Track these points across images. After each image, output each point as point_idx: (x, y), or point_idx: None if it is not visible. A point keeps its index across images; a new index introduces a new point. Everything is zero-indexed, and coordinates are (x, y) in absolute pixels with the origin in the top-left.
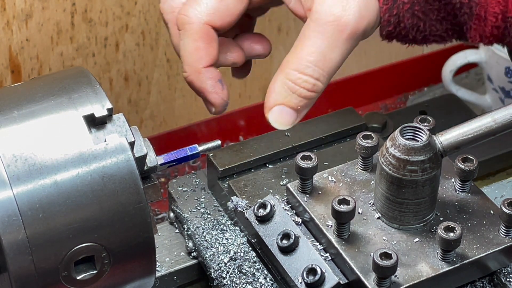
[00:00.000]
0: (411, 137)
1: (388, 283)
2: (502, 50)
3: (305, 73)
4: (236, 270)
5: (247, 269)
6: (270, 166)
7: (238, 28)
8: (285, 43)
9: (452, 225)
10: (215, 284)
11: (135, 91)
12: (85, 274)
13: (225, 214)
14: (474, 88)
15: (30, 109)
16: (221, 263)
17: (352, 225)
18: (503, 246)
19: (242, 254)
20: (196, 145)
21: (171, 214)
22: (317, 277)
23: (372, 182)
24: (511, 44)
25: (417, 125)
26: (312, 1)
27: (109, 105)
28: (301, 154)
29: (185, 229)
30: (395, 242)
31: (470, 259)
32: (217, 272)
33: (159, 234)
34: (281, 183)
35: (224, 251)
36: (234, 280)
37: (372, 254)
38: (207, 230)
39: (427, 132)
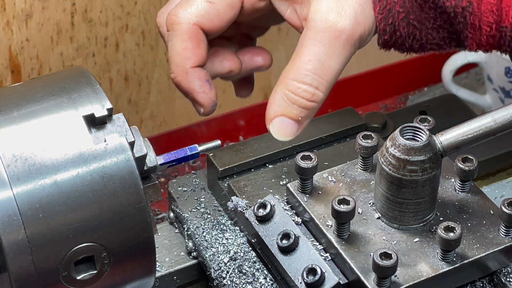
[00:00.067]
0: (411, 137)
1: (388, 283)
2: None
3: (304, 82)
4: (236, 270)
5: (247, 269)
6: (270, 166)
7: (237, 45)
8: (285, 43)
9: (452, 225)
10: (215, 284)
11: (135, 91)
12: (85, 274)
13: (225, 214)
14: (474, 88)
15: (30, 109)
16: (221, 263)
17: (352, 225)
18: (503, 246)
19: (242, 254)
20: (196, 145)
21: (171, 214)
22: (317, 277)
23: (372, 182)
24: (508, 52)
25: (417, 125)
26: (308, 10)
27: (109, 105)
28: (301, 154)
29: (185, 229)
30: (395, 242)
31: (470, 259)
32: (217, 272)
33: (159, 234)
34: (281, 183)
35: (224, 251)
36: (234, 280)
37: (372, 254)
38: (207, 230)
39: (427, 132)
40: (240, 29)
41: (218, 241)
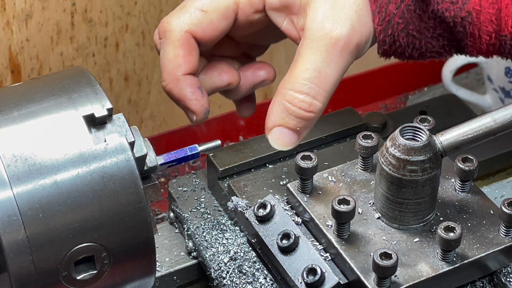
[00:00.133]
0: (411, 137)
1: (388, 283)
2: None
3: (300, 91)
4: (236, 270)
5: (247, 269)
6: (270, 166)
7: (238, 63)
8: (285, 43)
9: (452, 225)
10: (215, 284)
11: (135, 91)
12: (85, 274)
13: (225, 214)
14: (474, 88)
15: (30, 109)
16: (221, 263)
17: (352, 225)
18: (503, 246)
19: (242, 254)
20: (196, 145)
21: (171, 214)
22: (317, 277)
23: (372, 182)
24: (509, 58)
25: (417, 125)
26: (304, 20)
27: (109, 105)
28: (301, 154)
29: (185, 229)
30: (395, 242)
31: (470, 259)
32: (217, 272)
33: (159, 234)
34: (281, 183)
35: (224, 251)
36: (234, 280)
37: (372, 254)
38: (207, 230)
39: (427, 132)
40: (239, 48)
41: (218, 241)
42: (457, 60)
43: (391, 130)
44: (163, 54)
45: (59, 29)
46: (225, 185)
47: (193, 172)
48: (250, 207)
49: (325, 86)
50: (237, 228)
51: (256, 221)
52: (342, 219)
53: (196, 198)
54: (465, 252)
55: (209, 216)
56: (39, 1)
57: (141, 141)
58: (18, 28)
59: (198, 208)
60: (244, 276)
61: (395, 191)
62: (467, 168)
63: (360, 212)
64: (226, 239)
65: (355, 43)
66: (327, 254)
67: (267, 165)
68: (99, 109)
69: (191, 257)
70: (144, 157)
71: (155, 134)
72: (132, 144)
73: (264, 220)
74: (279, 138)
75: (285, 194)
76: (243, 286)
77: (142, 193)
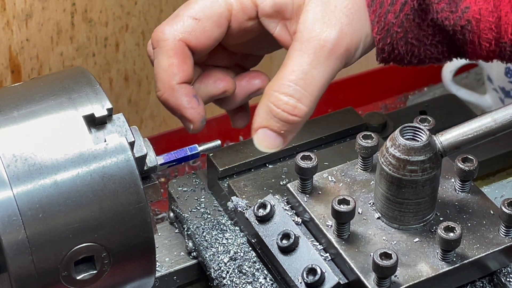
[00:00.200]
0: (411, 137)
1: (388, 283)
2: None
3: (285, 93)
4: (236, 270)
5: (247, 269)
6: (270, 166)
7: (233, 73)
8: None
9: (452, 225)
10: (215, 284)
11: (135, 91)
12: (85, 274)
13: (225, 214)
14: (474, 88)
15: (30, 109)
16: (221, 263)
17: (352, 225)
18: (503, 246)
19: (242, 254)
20: (196, 145)
21: (171, 214)
22: (317, 277)
23: (372, 182)
24: (509, 62)
25: (417, 125)
26: (297, 23)
27: (109, 105)
28: (301, 154)
29: (185, 229)
30: (395, 242)
31: (470, 259)
32: (217, 272)
33: (159, 234)
34: (281, 183)
35: (224, 251)
36: (234, 280)
37: (372, 254)
38: (207, 230)
39: (427, 132)
40: (233, 59)
41: (218, 241)
42: (457, 60)
43: (391, 130)
44: (157, 63)
45: (59, 29)
46: (225, 185)
47: (193, 172)
48: (250, 207)
49: (311, 89)
50: (237, 228)
51: (256, 221)
52: (342, 219)
53: (196, 198)
54: (465, 252)
55: (209, 216)
56: (39, 1)
57: (141, 141)
58: (18, 28)
59: (198, 208)
60: (244, 276)
61: (395, 191)
62: (467, 168)
63: (360, 212)
64: (226, 239)
65: (345, 47)
66: (327, 254)
67: (267, 165)
68: (99, 109)
69: (191, 257)
70: (144, 157)
71: (155, 134)
72: (132, 144)
73: (264, 220)
74: (263, 140)
75: (285, 194)
76: (243, 286)
77: (142, 193)
